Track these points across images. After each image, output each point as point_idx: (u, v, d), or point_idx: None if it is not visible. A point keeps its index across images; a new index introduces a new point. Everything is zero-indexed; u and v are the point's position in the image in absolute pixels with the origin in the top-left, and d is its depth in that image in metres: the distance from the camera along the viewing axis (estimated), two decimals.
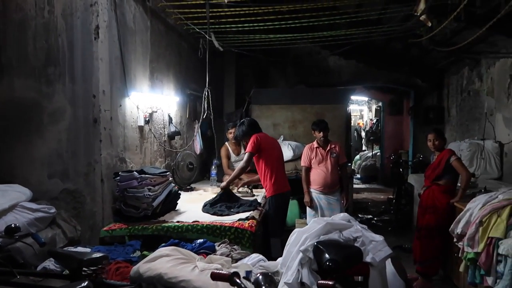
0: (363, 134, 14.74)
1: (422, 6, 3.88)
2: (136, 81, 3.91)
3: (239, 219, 3.38)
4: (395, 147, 10.35)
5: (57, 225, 3.10)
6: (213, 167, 5.32)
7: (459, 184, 4.15)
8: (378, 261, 2.22)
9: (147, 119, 4.04)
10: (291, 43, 6.09)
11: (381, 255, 2.24)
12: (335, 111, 6.45)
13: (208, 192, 4.76)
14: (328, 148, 4.80)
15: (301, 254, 2.25)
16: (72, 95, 3.26)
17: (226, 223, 3.29)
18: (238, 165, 4.21)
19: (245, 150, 5.49)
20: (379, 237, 2.34)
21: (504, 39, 4.66)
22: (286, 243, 2.54)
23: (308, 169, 4.85)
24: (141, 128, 4.02)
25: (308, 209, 4.92)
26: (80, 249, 2.88)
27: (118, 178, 3.32)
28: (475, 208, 3.39)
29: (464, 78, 6.60)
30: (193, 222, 3.31)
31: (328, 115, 6.10)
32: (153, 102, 4.21)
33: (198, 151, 5.52)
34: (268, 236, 4.06)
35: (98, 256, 2.19)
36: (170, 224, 3.29)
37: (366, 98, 13.96)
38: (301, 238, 2.34)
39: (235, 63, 7.29)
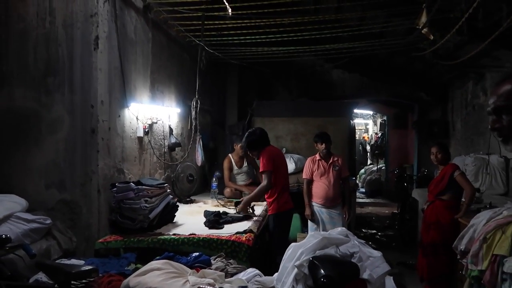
0: (368, 148, 14.65)
1: (423, 19, 3.87)
2: (136, 91, 3.90)
3: (237, 232, 3.31)
4: (400, 161, 10.23)
5: (52, 236, 3.05)
6: (214, 179, 5.28)
7: (463, 199, 4.06)
8: (376, 277, 2.14)
9: (146, 130, 4.02)
10: (294, 56, 6.09)
11: (379, 271, 2.16)
12: (338, 124, 6.41)
13: (208, 205, 4.71)
14: (331, 161, 4.74)
15: (296, 270, 2.18)
16: (71, 105, 3.24)
17: (223, 236, 3.22)
18: (261, 185, 3.96)
19: (247, 162, 5.47)
20: (377, 253, 2.27)
21: (508, 53, 4.63)
22: (282, 258, 2.47)
23: (310, 181, 4.79)
24: (140, 139, 4.00)
25: (309, 222, 4.85)
26: (73, 261, 2.83)
27: (115, 189, 3.28)
28: (479, 224, 3.29)
29: (469, 92, 6.53)
30: (189, 235, 3.24)
31: (330, 128, 6.05)
32: (153, 113, 4.20)
33: (199, 163, 5.48)
34: (270, 251, 3.98)
35: (86, 268, 2.14)
36: (166, 236, 3.23)
37: (370, 112, 13.91)
38: (296, 253, 2.28)
39: (238, 75, 7.29)
